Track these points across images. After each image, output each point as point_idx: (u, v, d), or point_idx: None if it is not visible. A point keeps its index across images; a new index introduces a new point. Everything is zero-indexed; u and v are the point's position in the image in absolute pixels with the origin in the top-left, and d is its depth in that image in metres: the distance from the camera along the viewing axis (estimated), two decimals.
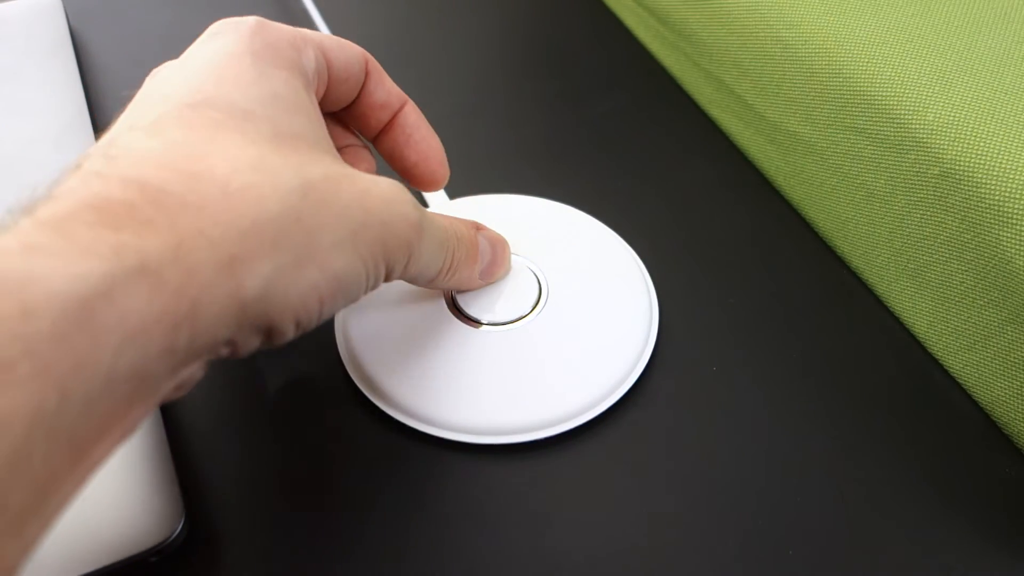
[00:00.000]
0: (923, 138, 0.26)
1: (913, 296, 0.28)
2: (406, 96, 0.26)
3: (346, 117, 0.26)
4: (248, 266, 0.16)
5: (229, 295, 0.16)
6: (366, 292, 0.20)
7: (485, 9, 0.42)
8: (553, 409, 0.25)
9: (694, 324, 0.28)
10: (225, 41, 0.20)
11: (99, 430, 0.14)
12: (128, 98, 0.19)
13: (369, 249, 0.19)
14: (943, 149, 0.25)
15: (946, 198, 0.26)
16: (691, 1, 0.35)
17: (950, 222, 0.26)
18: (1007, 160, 0.24)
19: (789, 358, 0.27)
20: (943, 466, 0.25)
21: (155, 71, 0.20)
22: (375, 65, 0.25)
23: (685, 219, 0.32)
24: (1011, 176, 0.24)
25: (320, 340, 0.27)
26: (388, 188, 0.20)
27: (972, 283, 0.26)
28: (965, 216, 0.25)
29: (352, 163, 0.25)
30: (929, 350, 0.28)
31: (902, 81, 0.27)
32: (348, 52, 0.23)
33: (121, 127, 0.18)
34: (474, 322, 0.26)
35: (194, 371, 0.17)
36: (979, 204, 0.24)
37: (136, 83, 0.21)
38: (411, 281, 0.23)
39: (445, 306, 0.27)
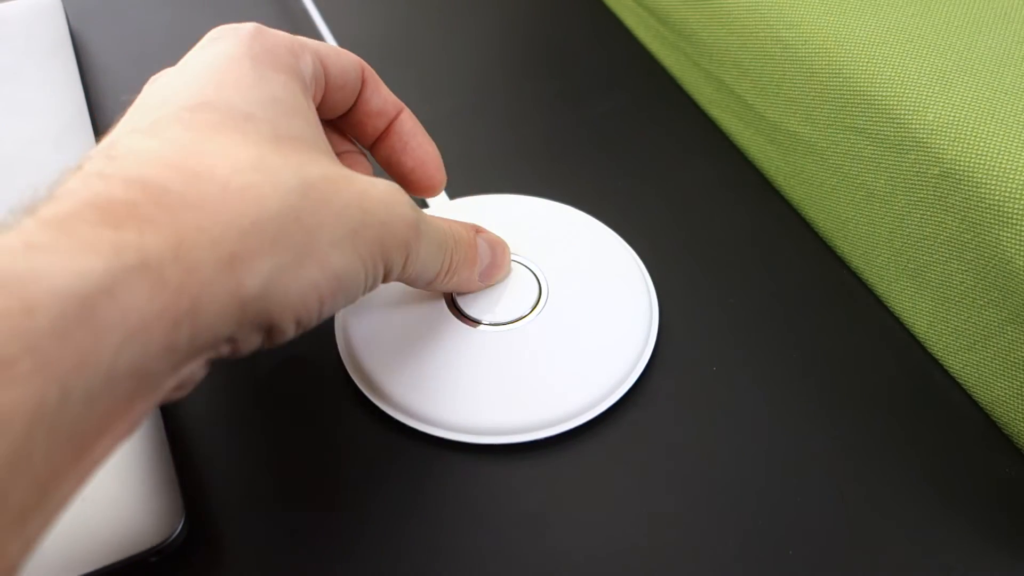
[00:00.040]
0: (923, 138, 0.26)
1: (913, 296, 0.28)
2: (402, 104, 0.26)
3: (343, 125, 0.26)
4: (248, 264, 0.16)
5: (230, 293, 0.16)
6: (365, 292, 0.20)
7: (485, 9, 0.42)
8: (553, 409, 0.25)
9: (694, 324, 0.28)
10: (224, 46, 0.20)
11: (100, 427, 0.14)
12: (127, 103, 0.20)
13: (368, 249, 0.19)
14: (943, 149, 0.25)
15: (946, 198, 0.26)
16: (691, 1, 0.35)
17: (950, 222, 0.26)
18: (1007, 160, 0.24)
19: (789, 358, 0.27)
20: (943, 466, 0.25)
21: (154, 77, 0.20)
22: (371, 73, 0.25)
23: (685, 219, 0.32)
24: (1011, 176, 0.24)
25: (320, 340, 0.27)
26: (385, 189, 0.20)
27: (972, 283, 0.26)
28: (965, 216, 0.25)
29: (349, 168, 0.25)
30: (929, 350, 0.28)
31: (902, 81, 0.27)
32: (345, 59, 0.24)
33: (122, 130, 0.18)
34: (474, 322, 0.26)
35: (195, 370, 0.17)
36: (979, 204, 0.24)
37: (136, 84, 0.21)
38: (410, 283, 0.23)
39: (445, 306, 0.27)
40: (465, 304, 0.27)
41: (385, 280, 0.20)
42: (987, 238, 0.25)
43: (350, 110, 0.25)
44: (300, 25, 0.40)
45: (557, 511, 0.24)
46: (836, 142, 0.30)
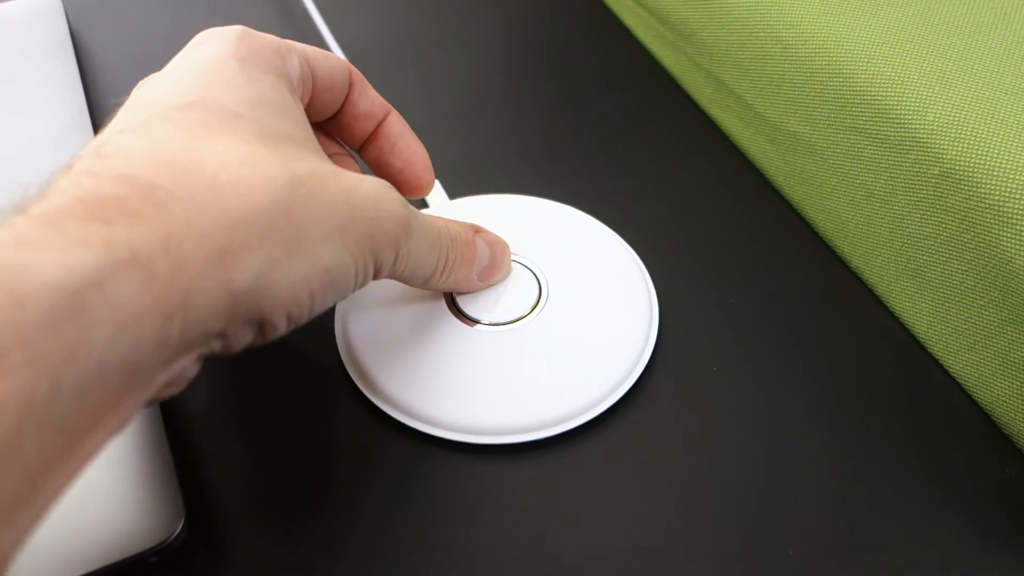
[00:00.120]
0: (923, 138, 0.26)
1: (913, 296, 0.28)
2: (389, 106, 0.26)
3: (331, 127, 0.26)
4: (238, 258, 0.16)
5: (220, 287, 0.16)
6: (355, 288, 0.20)
7: (485, 9, 0.42)
8: (553, 409, 0.25)
9: (694, 324, 0.28)
10: (211, 48, 0.20)
11: (91, 421, 0.14)
12: (118, 105, 0.20)
13: (357, 244, 0.19)
14: (943, 149, 0.25)
15: (946, 198, 0.26)
16: (691, 1, 0.35)
17: (950, 222, 0.26)
18: (1007, 160, 0.24)
19: (789, 358, 0.27)
20: (943, 466, 0.25)
21: (142, 82, 0.21)
22: (358, 76, 0.25)
23: (685, 219, 0.32)
24: (1011, 176, 0.24)
25: (320, 340, 0.27)
26: (374, 185, 0.20)
27: (972, 283, 0.26)
28: (965, 216, 0.25)
29: None
30: (929, 350, 0.28)
31: (902, 81, 0.27)
32: (332, 62, 0.24)
33: (112, 130, 0.19)
34: (474, 322, 0.26)
35: (187, 366, 0.17)
36: (979, 204, 0.25)
37: (135, 84, 0.21)
38: (404, 280, 0.23)
39: (445, 306, 0.27)
40: (465, 304, 0.27)
41: (376, 276, 0.21)
42: (987, 238, 0.25)
43: (338, 112, 0.25)
44: (300, 25, 0.40)
45: (557, 511, 0.24)
46: (836, 142, 0.30)
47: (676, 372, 0.27)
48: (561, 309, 0.27)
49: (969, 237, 0.25)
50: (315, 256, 0.18)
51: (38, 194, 0.15)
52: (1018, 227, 0.24)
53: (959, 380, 0.27)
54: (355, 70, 0.25)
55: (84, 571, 0.21)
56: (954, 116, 0.25)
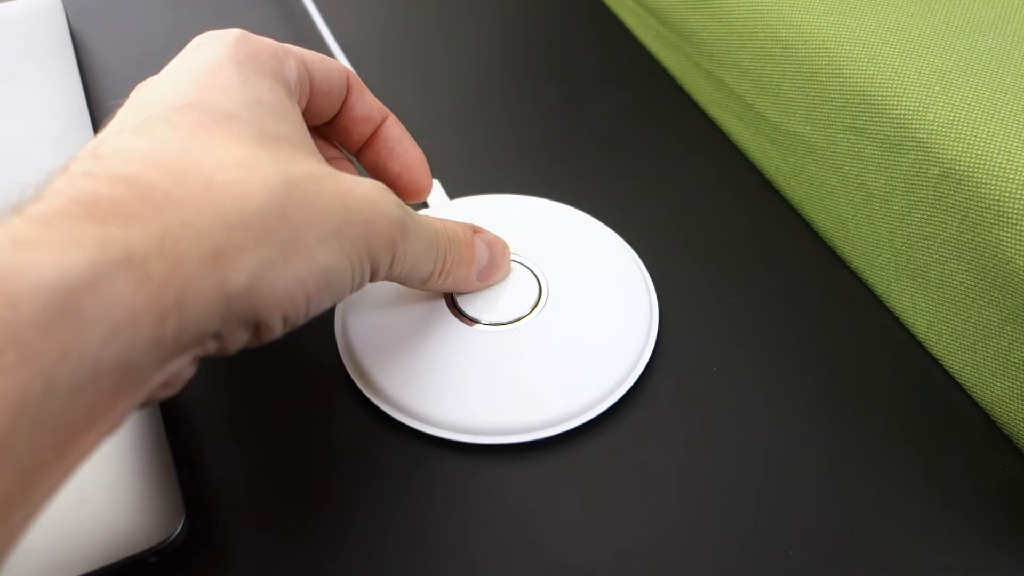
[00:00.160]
0: (923, 138, 0.26)
1: (913, 296, 0.28)
2: (387, 110, 0.27)
3: (329, 131, 0.26)
4: (234, 259, 0.16)
5: (216, 288, 0.16)
6: (352, 291, 0.20)
7: (485, 9, 0.42)
8: (553, 409, 0.25)
9: (694, 324, 0.28)
10: (209, 51, 0.21)
11: (85, 421, 0.14)
12: (117, 107, 0.20)
13: (354, 246, 0.19)
14: (943, 149, 0.25)
15: (946, 198, 0.26)
16: (691, 1, 0.35)
17: (950, 222, 0.26)
18: (1007, 160, 0.24)
19: (789, 358, 0.27)
20: (943, 466, 0.25)
21: (140, 84, 0.21)
22: (356, 80, 0.25)
23: (685, 219, 0.32)
24: (1011, 176, 0.24)
25: (320, 340, 0.27)
26: (370, 187, 0.20)
27: (972, 283, 0.26)
28: (965, 216, 0.25)
29: None
30: (929, 350, 0.28)
31: (902, 81, 0.27)
32: (329, 66, 0.24)
33: (109, 132, 0.19)
34: (474, 322, 0.26)
35: (182, 367, 0.17)
36: (979, 204, 0.25)
37: (136, 83, 0.21)
38: (402, 282, 0.23)
39: (445, 306, 0.27)
40: (465, 304, 0.27)
41: (373, 279, 0.21)
42: (987, 238, 0.25)
43: (336, 117, 0.25)
44: (300, 25, 0.40)
45: (557, 511, 0.24)
46: (836, 142, 0.30)
47: (676, 372, 0.27)
48: (561, 309, 0.27)
49: (969, 237, 0.25)
50: (311, 258, 0.18)
51: (34, 195, 0.15)
52: (1018, 227, 0.24)
53: (959, 380, 0.27)
54: (353, 74, 0.25)
55: (84, 571, 0.21)
56: (954, 116, 0.25)
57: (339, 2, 0.42)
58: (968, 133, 0.25)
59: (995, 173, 0.24)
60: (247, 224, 0.17)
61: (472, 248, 0.25)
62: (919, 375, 0.27)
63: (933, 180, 0.26)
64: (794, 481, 0.24)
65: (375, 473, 0.24)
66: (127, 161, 0.17)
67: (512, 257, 0.28)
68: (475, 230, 0.26)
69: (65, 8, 0.39)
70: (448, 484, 0.24)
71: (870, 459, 0.25)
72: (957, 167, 0.25)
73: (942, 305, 0.27)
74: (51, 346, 0.13)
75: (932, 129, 0.26)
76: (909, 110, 0.26)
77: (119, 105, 0.20)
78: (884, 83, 0.27)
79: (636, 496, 0.24)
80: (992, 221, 0.24)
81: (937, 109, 0.26)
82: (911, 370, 0.28)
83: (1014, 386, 0.25)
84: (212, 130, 0.18)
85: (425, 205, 0.31)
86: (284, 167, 0.18)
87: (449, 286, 0.25)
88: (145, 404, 0.17)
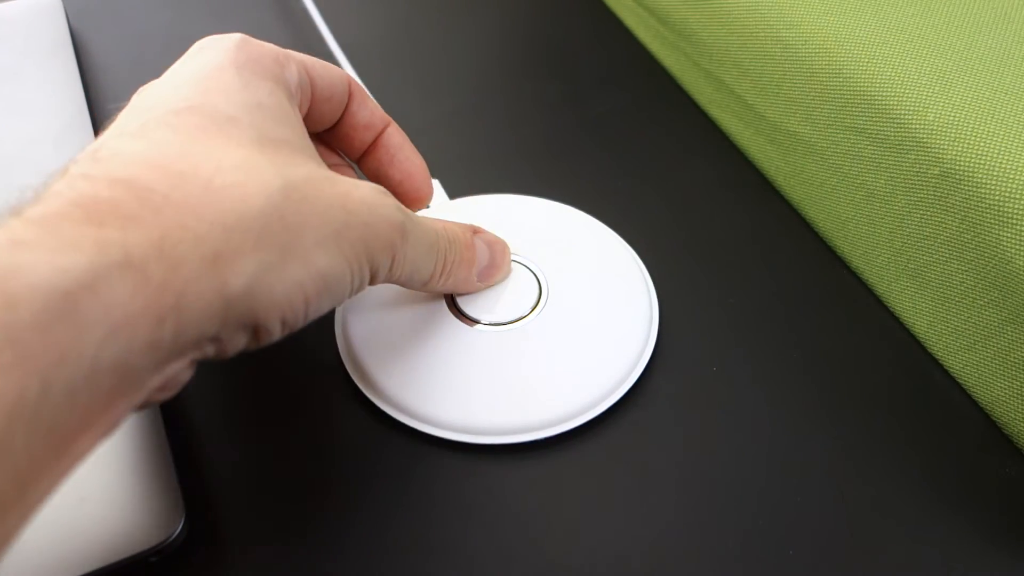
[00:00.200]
0: (923, 138, 0.26)
1: (913, 296, 0.28)
2: (389, 118, 0.27)
3: (331, 138, 0.26)
4: (233, 262, 0.16)
5: (214, 291, 0.16)
6: (351, 294, 0.20)
7: (485, 9, 0.42)
8: (553, 409, 0.25)
9: (694, 324, 0.28)
10: (210, 55, 0.21)
11: (82, 422, 0.14)
12: (117, 110, 0.20)
13: (353, 249, 0.19)
14: (943, 149, 0.25)
15: (946, 198, 0.26)
16: (691, 1, 0.35)
17: (950, 222, 0.26)
18: (1007, 160, 0.24)
19: (789, 358, 0.27)
20: (943, 466, 0.25)
21: (141, 88, 0.21)
22: (358, 87, 0.25)
23: (685, 219, 0.32)
24: (1011, 176, 0.24)
25: (320, 340, 0.27)
26: (369, 191, 0.20)
27: (972, 283, 0.26)
28: (965, 216, 0.25)
29: None
30: (929, 350, 0.28)
31: (902, 81, 0.27)
32: (331, 72, 0.24)
33: (109, 134, 0.19)
34: (474, 322, 0.26)
35: (180, 370, 0.17)
36: (979, 204, 0.25)
37: (136, 84, 0.21)
38: (403, 284, 0.23)
39: (445, 306, 0.27)
40: (465, 304, 0.27)
41: (372, 282, 0.21)
42: (987, 238, 0.25)
43: (337, 123, 0.26)
44: (300, 25, 0.40)
45: (557, 511, 0.24)
46: (836, 142, 0.30)
47: (676, 372, 0.27)
48: (561, 309, 0.27)
49: (969, 237, 0.25)
50: (309, 261, 0.18)
51: (33, 197, 0.16)
52: (1018, 227, 0.24)
53: (959, 380, 0.27)
54: (355, 81, 0.25)
55: (84, 571, 0.21)
56: (954, 116, 0.25)
57: (339, 2, 0.42)
58: (968, 133, 0.25)
59: (995, 173, 0.24)
60: (246, 227, 0.17)
61: (473, 249, 0.25)
62: (919, 375, 0.27)
63: (933, 180, 0.26)
64: (794, 481, 0.24)
65: (375, 473, 0.24)
66: (126, 164, 0.17)
67: (512, 257, 0.28)
68: (475, 231, 0.26)
69: (65, 8, 0.39)
70: (448, 484, 0.24)
71: (870, 459, 0.25)
72: (957, 167, 0.25)
73: (942, 305, 0.27)
74: (49, 347, 0.13)
75: (932, 129, 0.26)
76: (909, 110, 0.26)
77: (119, 108, 0.20)
78: (884, 83, 0.27)
79: (636, 496, 0.24)
80: (992, 221, 0.24)
81: (937, 109, 0.26)
82: (911, 370, 0.28)
83: (1014, 386, 0.25)
84: (212, 133, 0.18)
85: (426, 206, 0.31)
86: (283, 170, 0.18)
87: (450, 287, 0.25)
88: (143, 406, 0.17)
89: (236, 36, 0.21)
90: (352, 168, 0.28)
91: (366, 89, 0.26)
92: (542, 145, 0.35)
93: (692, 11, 0.35)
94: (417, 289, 0.24)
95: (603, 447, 0.25)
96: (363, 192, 0.20)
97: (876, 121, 0.28)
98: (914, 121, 0.26)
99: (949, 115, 0.25)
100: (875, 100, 0.27)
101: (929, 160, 0.26)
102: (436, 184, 0.31)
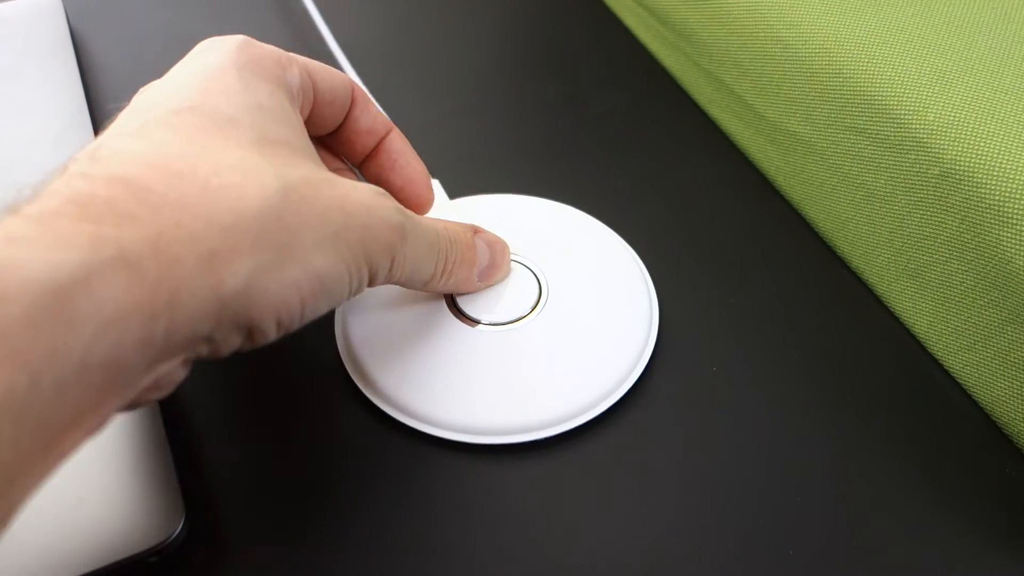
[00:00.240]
0: (923, 138, 0.26)
1: (913, 296, 0.28)
2: (391, 123, 0.27)
3: (333, 142, 0.26)
4: (228, 262, 0.16)
5: (210, 289, 0.16)
6: (349, 296, 0.20)
7: (485, 9, 0.42)
8: (553, 409, 0.25)
9: (694, 324, 0.28)
10: (211, 57, 0.21)
11: (71, 419, 0.14)
12: (118, 110, 0.20)
13: (351, 251, 0.19)
14: (943, 149, 0.25)
15: (946, 198, 0.26)
16: (691, 1, 0.35)
17: (950, 222, 0.26)
18: (1007, 160, 0.24)
19: (789, 358, 0.27)
20: (943, 466, 0.25)
21: (142, 88, 0.21)
22: (361, 92, 0.26)
23: (685, 219, 0.32)
24: (1011, 176, 0.24)
25: (320, 340, 0.27)
26: (368, 192, 0.20)
27: (972, 283, 0.26)
28: (965, 216, 0.25)
29: None
30: (929, 350, 0.28)
31: (902, 81, 0.27)
32: (334, 76, 0.24)
33: (108, 134, 0.19)
34: (474, 322, 0.26)
35: (173, 370, 0.17)
36: (979, 204, 0.25)
37: (136, 84, 0.21)
38: (404, 285, 0.23)
39: (445, 306, 0.27)
40: (465, 304, 0.27)
41: (371, 284, 0.21)
42: (987, 238, 0.25)
43: (340, 128, 0.26)
44: (300, 25, 0.40)
45: (557, 511, 0.24)
46: (836, 142, 0.30)
47: (676, 372, 0.27)
48: (561, 309, 0.27)
49: (969, 237, 0.25)
50: (307, 262, 0.18)
51: (31, 195, 0.16)
52: (1018, 227, 0.24)
53: (959, 380, 0.27)
54: (358, 86, 0.25)
55: (84, 571, 0.21)
56: (954, 116, 0.25)
57: (339, 2, 0.42)
58: (968, 133, 0.25)
59: (995, 173, 0.24)
60: (243, 227, 0.17)
61: (473, 249, 0.25)
62: (919, 375, 0.27)
63: (933, 180, 0.26)
64: (794, 481, 0.24)
65: (375, 473, 0.24)
66: (125, 163, 0.17)
67: (512, 257, 0.28)
68: (475, 230, 0.26)
69: (65, 8, 0.39)
70: (448, 484, 0.24)
71: (870, 459, 0.25)
72: (957, 167, 0.25)
73: (942, 305, 0.27)
74: (39, 342, 0.13)
75: (932, 129, 0.26)
76: (909, 110, 0.26)
77: (120, 108, 0.20)
78: (884, 83, 0.27)
79: (636, 496, 0.24)
80: (992, 221, 0.24)
81: (937, 109, 0.26)
82: (911, 370, 0.28)
83: (1014, 386, 0.25)
84: (212, 134, 0.18)
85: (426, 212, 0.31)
86: (282, 171, 0.18)
87: (451, 287, 0.25)
88: (134, 405, 0.17)
89: (238, 38, 0.21)
90: (354, 173, 0.28)
91: (369, 94, 0.26)
92: (542, 145, 0.35)
93: (692, 11, 0.35)
94: (418, 289, 0.24)
95: (603, 447, 0.25)
96: (362, 194, 0.20)
97: (876, 121, 0.28)
98: (914, 121, 0.26)
99: (949, 115, 0.25)
100: (875, 100, 0.27)
101: (929, 160, 0.26)
102: (436, 184, 0.31)
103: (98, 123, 0.34)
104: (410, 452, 0.25)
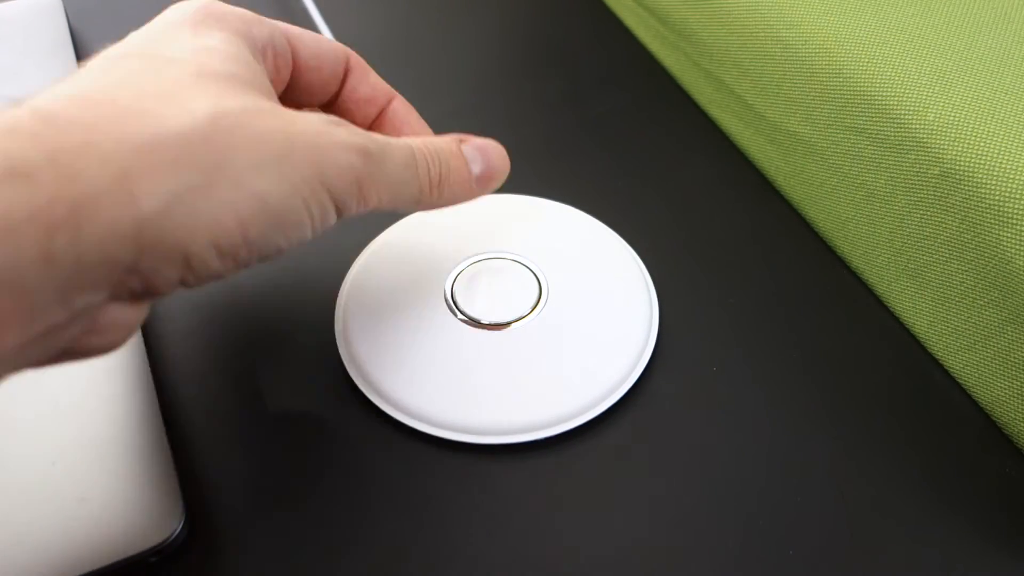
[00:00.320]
0: (923, 138, 0.26)
1: (913, 296, 0.28)
2: (394, 91, 0.26)
3: (333, 112, 0.26)
4: (144, 181, 0.15)
5: (122, 208, 0.15)
6: (316, 227, 0.19)
7: (485, 9, 0.42)
8: (553, 409, 0.25)
9: (694, 324, 0.28)
10: (169, 15, 0.20)
11: None
12: None
13: (301, 176, 0.18)
14: (943, 149, 0.25)
15: (946, 198, 0.26)
16: (691, 1, 0.35)
17: (950, 222, 0.26)
18: (1007, 160, 0.24)
19: (789, 358, 0.27)
20: (943, 466, 0.25)
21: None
22: (358, 61, 0.25)
23: (685, 219, 0.32)
24: (1011, 176, 0.24)
25: (320, 340, 0.27)
26: (317, 119, 0.19)
27: (972, 283, 0.26)
28: (965, 216, 0.25)
29: None
30: (929, 350, 0.28)
31: (902, 81, 0.27)
32: (322, 43, 0.24)
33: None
34: (474, 322, 0.26)
35: (98, 304, 0.16)
36: (979, 204, 0.25)
37: None
38: (394, 209, 0.22)
39: (445, 306, 0.27)
40: (465, 304, 0.27)
41: (344, 213, 0.20)
42: (987, 238, 0.25)
43: (338, 98, 0.25)
44: (300, 25, 0.40)
45: (557, 511, 0.24)
46: (836, 142, 0.30)
47: (676, 372, 0.27)
48: (561, 309, 0.27)
49: (969, 237, 0.25)
50: (242, 184, 0.17)
51: None
52: (1018, 227, 0.24)
53: (959, 380, 0.27)
54: (355, 56, 0.25)
55: (84, 571, 0.21)
56: (954, 116, 0.25)
57: (339, 2, 0.42)
58: (968, 133, 0.25)
59: (995, 173, 0.24)
60: (160, 147, 0.16)
61: (461, 157, 0.24)
62: (919, 375, 0.27)
63: (933, 180, 0.26)
64: (794, 481, 0.24)
65: (375, 472, 0.24)
66: (50, 98, 0.16)
67: (512, 257, 0.28)
68: (461, 139, 0.25)
69: (65, 8, 0.39)
70: (448, 484, 0.24)
71: (870, 459, 0.25)
72: (957, 167, 0.25)
73: (942, 305, 0.27)
74: None
75: (932, 129, 0.26)
76: (909, 110, 0.26)
77: None
78: (884, 83, 0.27)
79: (636, 496, 0.24)
80: (992, 221, 0.24)
81: (937, 109, 0.26)
82: (911, 370, 0.28)
83: (1014, 386, 0.25)
84: (143, 72, 0.18)
85: None
86: (217, 100, 0.17)
87: (449, 200, 0.24)
88: (71, 355, 0.16)
89: (203, 0, 0.21)
90: None
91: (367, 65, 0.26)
92: (542, 145, 0.35)
93: (692, 11, 0.35)
94: (415, 210, 0.23)
95: (603, 447, 0.25)
96: (312, 118, 0.19)
97: (876, 121, 0.28)
98: (914, 121, 0.26)
99: (949, 115, 0.25)
100: (875, 100, 0.27)
101: (929, 160, 0.26)
102: None
103: None
104: (410, 452, 0.25)
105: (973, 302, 0.26)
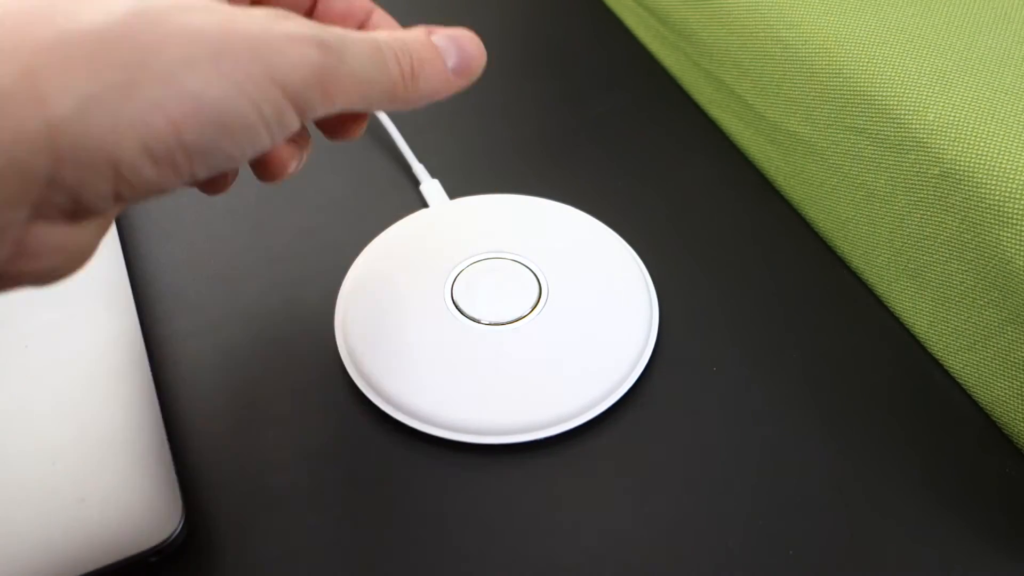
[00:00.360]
0: (923, 138, 0.26)
1: (913, 296, 0.28)
2: (373, 5, 0.25)
3: None
4: (54, 81, 0.14)
5: (27, 108, 0.14)
6: (274, 132, 0.17)
7: (484, 9, 0.42)
8: (553, 409, 0.25)
9: (694, 324, 0.28)
10: None
11: None
12: None
13: (246, 73, 0.16)
14: (943, 149, 0.25)
15: (946, 198, 0.26)
16: (691, 1, 0.35)
17: (950, 222, 0.26)
18: (1007, 160, 0.24)
19: (789, 358, 0.27)
20: (943, 466, 0.25)
21: None
22: None
23: (685, 219, 0.32)
24: (1011, 176, 0.24)
25: (320, 340, 0.27)
26: (262, 12, 0.17)
27: (972, 283, 0.26)
28: (965, 216, 0.25)
29: None
30: (929, 350, 0.28)
31: (902, 81, 0.27)
32: None
33: None
34: (474, 322, 0.26)
35: (20, 224, 0.15)
36: (979, 204, 0.25)
37: None
38: (368, 108, 0.21)
39: (445, 306, 0.27)
40: (465, 304, 0.27)
41: (308, 114, 0.18)
42: (987, 238, 0.25)
43: (312, 14, 0.24)
44: None
45: (557, 511, 0.24)
46: (836, 142, 0.30)
47: (676, 372, 0.27)
48: (561, 309, 0.27)
49: (969, 237, 0.25)
50: (172, 82, 0.15)
51: None
52: (1018, 227, 0.24)
53: (959, 380, 0.27)
54: None
55: (84, 571, 0.21)
56: (954, 116, 0.25)
57: None
58: (968, 133, 0.25)
59: (995, 173, 0.24)
60: (74, 44, 0.15)
61: (432, 47, 0.23)
62: (919, 375, 0.27)
63: (933, 180, 0.26)
64: (794, 481, 0.24)
65: (374, 472, 0.24)
66: None
67: (512, 257, 0.28)
68: (430, 30, 0.24)
69: None
70: (448, 484, 0.24)
71: (870, 459, 0.25)
72: (957, 167, 0.25)
73: (942, 305, 0.27)
74: None
75: (932, 129, 0.26)
76: (909, 110, 0.26)
77: None
78: (884, 83, 0.27)
79: (636, 496, 0.24)
80: (992, 221, 0.24)
81: (937, 109, 0.26)
82: (911, 370, 0.28)
83: (1014, 386, 0.25)
84: None
85: (425, 204, 0.31)
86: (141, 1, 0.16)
87: (426, 92, 0.22)
88: (3, 282, 0.15)
89: None
90: None
91: None
92: (542, 145, 0.35)
93: (692, 11, 0.35)
94: (391, 108, 0.22)
95: (603, 447, 0.25)
96: (254, 13, 0.17)
97: (876, 121, 0.28)
98: (914, 121, 0.26)
99: (949, 115, 0.25)
100: (875, 100, 0.27)
101: (929, 160, 0.26)
102: (436, 184, 0.31)
103: None
104: (409, 452, 0.25)
105: (973, 302, 0.26)
